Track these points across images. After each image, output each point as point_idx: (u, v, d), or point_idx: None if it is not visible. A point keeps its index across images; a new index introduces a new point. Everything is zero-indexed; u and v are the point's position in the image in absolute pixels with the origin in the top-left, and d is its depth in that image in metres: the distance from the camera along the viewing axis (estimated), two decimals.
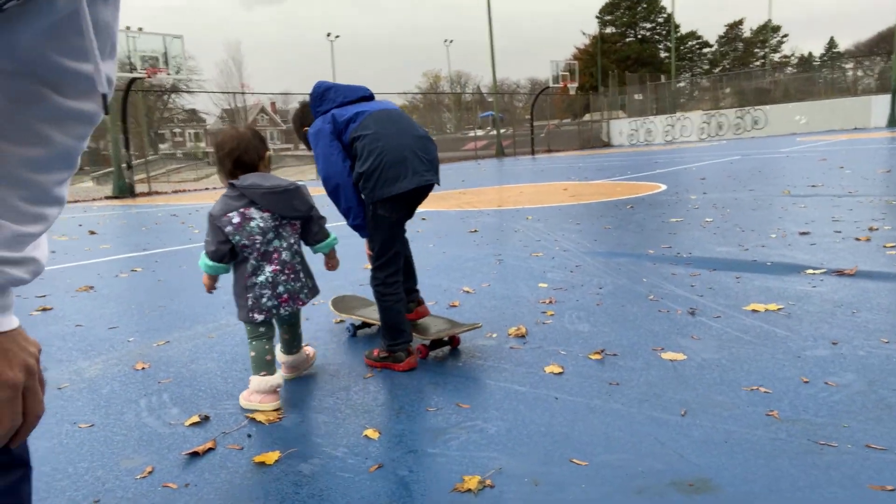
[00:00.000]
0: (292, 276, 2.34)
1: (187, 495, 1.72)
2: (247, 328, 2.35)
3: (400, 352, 2.55)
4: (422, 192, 2.59)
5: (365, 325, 3.13)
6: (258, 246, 2.27)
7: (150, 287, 4.53)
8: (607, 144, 35.79)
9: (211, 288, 2.39)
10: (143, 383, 2.59)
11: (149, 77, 18.13)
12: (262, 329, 2.33)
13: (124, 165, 18.55)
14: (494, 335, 2.93)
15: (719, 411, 2.00)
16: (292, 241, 2.36)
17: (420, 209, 8.92)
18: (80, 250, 6.77)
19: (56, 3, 0.65)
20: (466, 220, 7.29)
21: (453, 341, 2.81)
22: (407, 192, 2.47)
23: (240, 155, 2.30)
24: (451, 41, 59.42)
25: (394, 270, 2.65)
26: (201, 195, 17.25)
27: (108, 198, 18.49)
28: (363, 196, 2.55)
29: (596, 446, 1.83)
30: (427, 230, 6.61)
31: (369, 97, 2.69)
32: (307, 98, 2.70)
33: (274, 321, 2.40)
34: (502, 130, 33.59)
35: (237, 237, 2.25)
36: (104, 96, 0.69)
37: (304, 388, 2.45)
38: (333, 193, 2.59)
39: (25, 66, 0.66)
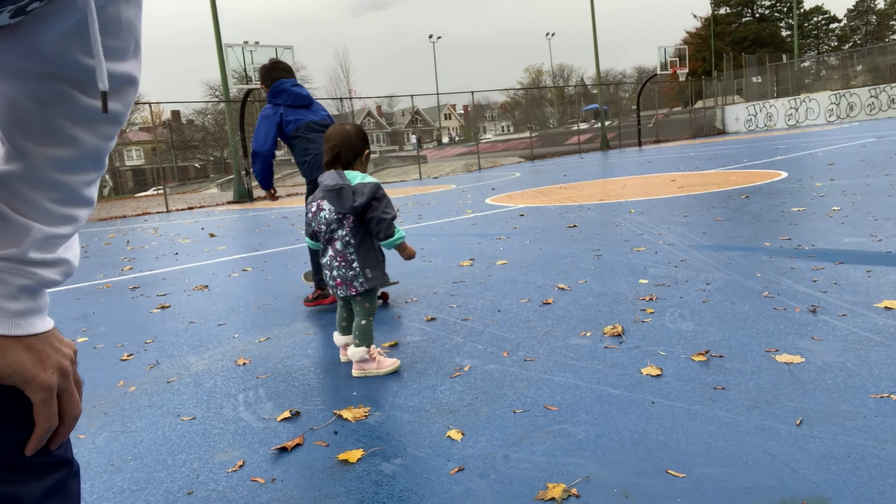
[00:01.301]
0: (344, 264, 2.61)
1: (272, 490, 1.74)
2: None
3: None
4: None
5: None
6: (325, 233, 2.64)
7: (258, 285, 4.75)
8: (722, 132, 33.76)
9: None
10: (243, 378, 2.69)
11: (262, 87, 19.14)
12: (341, 300, 2.75)
13: (243, 172, 19.73)
14: (588, 334, 2.79)
15: (841, 421, 1.77)
16: (345, 233, 2.61)
17: (517, 205, 8.78)
18: (200, 252, 7.25)
19: (77, 2, 0.64)
20: (566, 214, 7.09)
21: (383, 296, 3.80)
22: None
23: (338, 151, 2.68)
24: (553, 34, 58.43)
25: None
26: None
27: (228, 203, 19.75)
28: (302, 174, 3.87)
29: (696, 457, 1.67)
30: (524, 226, 6.49)
31: (308, 105, 3.85)
32: (279, 64, 4.08)
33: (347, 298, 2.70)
34: (607, 122, 32.59)
35: (312, 224, 2.69)
36: (104, 94, 0.66)
37: (391, 385, 2.45)
38: (254, 155, 3.80)
39: (51, 66, 0.66)
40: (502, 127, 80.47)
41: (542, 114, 65.64)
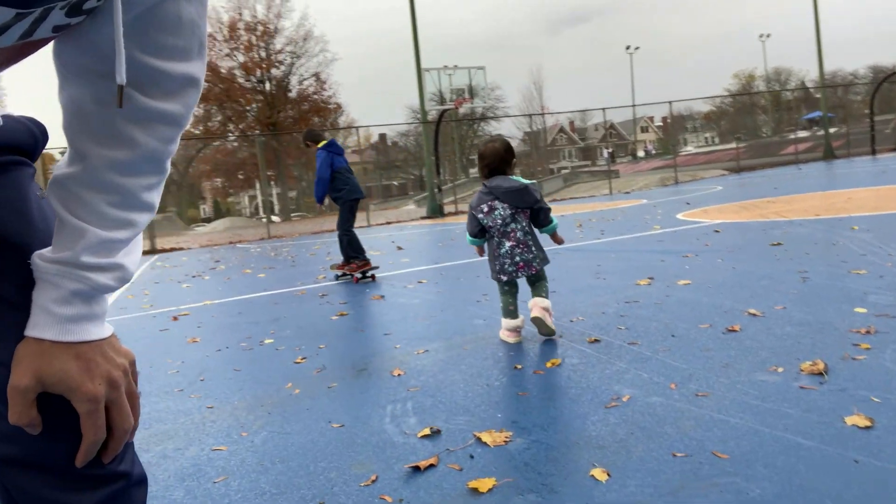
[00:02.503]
0: (525, 249, 3.16)
1: None
2: (498, 285, 3.30)
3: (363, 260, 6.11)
4: (358, 200, 6.48)
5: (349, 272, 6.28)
6: (499, 227, 3.16)
7: (428, 298, 4.82)
8: None
9: (480, 253, 3.46)
10: (395, 389, 2.69)
11: (456, 107, 19.92)
12: (506, 287, 3.25)
13: (436, 189, 20.64)
14: (780, 369, 2.36)
15: None
16: (524, 223, 3.19)
17: (713, 220, 8.01)
18: (386, 263, 7.62)
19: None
20: (769, 231, 6.28)
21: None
22: (354, 199, 6.39)
23: (493, 165, 3.25)
24: (768, 35, 53.29)
25: (350, 227, 6.42)
26: None
27: (422, 218, 20.76)
28: (340, 197, 6.38)
29: None
30: (717, 243, 5.86)
31: (341, 152, 6.47)
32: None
33: (517, 281, 3.24)
34: (832, 129, 28.83)
35: (486, 221, 3.19)
36: (120, 88, 0.62)
37: (538, 409, 2.27)
38: (317, 183, 6.38)
39: (111, 64, 0.63)
40: (705, 138, 75.21)
41: (753, 122, 60.18)
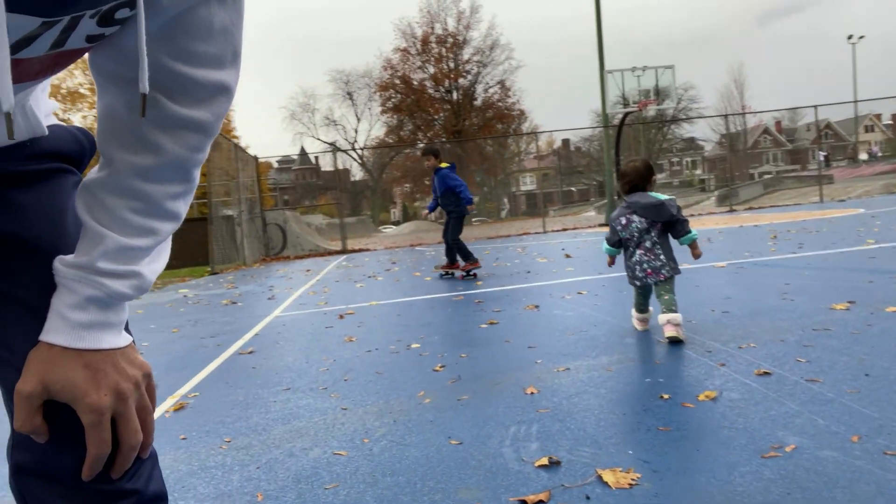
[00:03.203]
0: (653, 257, 3.46)
1: None
2: (635, 290, 3.65)
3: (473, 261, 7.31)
4: (465, 215, 7.63)
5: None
6: (634, 239, 3.51)
7: (584, 311, 4.55)
8: None
9: (610, 263, 3.75)
10: (524, 409, 2.52)
11: (640, 109, 18.97)
12: (640, 290, 3.63)
13: (615, 195, 19.82)
14: None
15: None
16: (652, 236, 3.48)
17: None
18: (549, 272, 7.40)
19: (160, 4, 0.61)
20: None
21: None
22: (464, 214, 7.60)
23: (633, 182, 3.57)
24: None
25: (458, 236, 7.54)
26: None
27: (600, 225, 20.06)
28: (455, 209, 7.49)
29: None
30: None
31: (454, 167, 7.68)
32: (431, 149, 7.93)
33: (648, 287, 3.57)
34: None
35: (623, 234, 3.56)
36: (143, 97, 0.62)
37: (679, 449, 1.96)
38: (464, 188, 7.40)
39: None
40: None
41: None
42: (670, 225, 3.46)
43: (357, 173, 63.96)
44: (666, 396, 2.49)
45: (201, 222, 18.33)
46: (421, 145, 46.10)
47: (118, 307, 0.70)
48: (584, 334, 3.76)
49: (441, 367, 3.33)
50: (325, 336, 4.61)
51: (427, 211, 7.97)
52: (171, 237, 0.76)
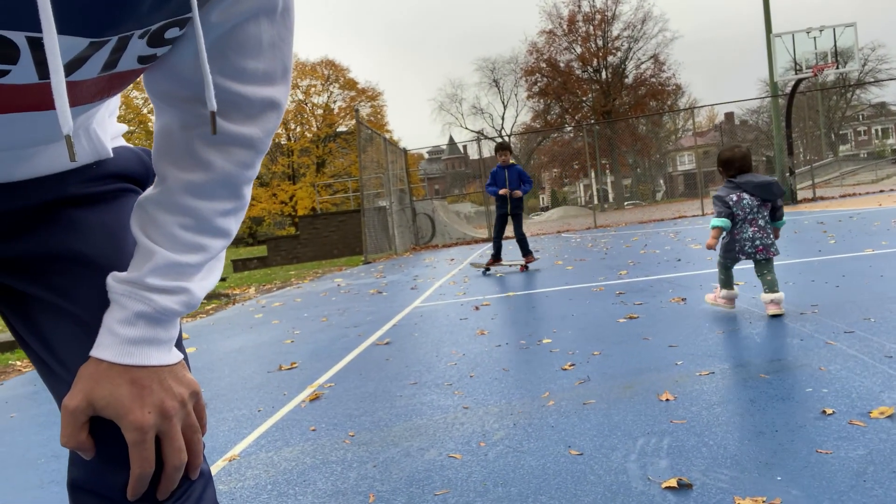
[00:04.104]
0: (765, 235, 3.68)
1: None
2: (721, 263, 3.89)
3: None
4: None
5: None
6: (746, 215, 3.70)
7: (739, 304, 4.09)
8: None
9: (711, 246, 3.71)
10: (656, 418, 2.28)
11: (815, 75, 16.96)
12: (728, 266, 3.87)
13: (786, 172, 17.95)
14: None
15: None
16: (766, 213, 3.71)
17: None
18: (702, 260, 6.82)
19: (209, 22, 0.61)
20: None
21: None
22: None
23: (742, 167, 3.77)
24: None
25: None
26: (870, 199, 15.02)
27: None
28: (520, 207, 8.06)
29: None
30: None
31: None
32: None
33: (755, 265, 3.75)
34: None
35: (735, 209, 3.71)
36: (213, 114, 0.63)
37: (840, 480, 1.64)
38: (530, 184, 8.07)
39: (191, 88, 0.65)
40: None
41: None
42: (775, 207, 3.73)
43: None
44: (830, 411, 2.13)
45: (356, 214, 19.35)
46: (568, 128, 45.08)
47: (168, 323, 0.69)
48: (736, 332, 3.37)
49: (570, 365, 3.15)
50: (459, 328, 4.58)
51: (507, 189, 7.92)
52: (223, 254, 0.76)
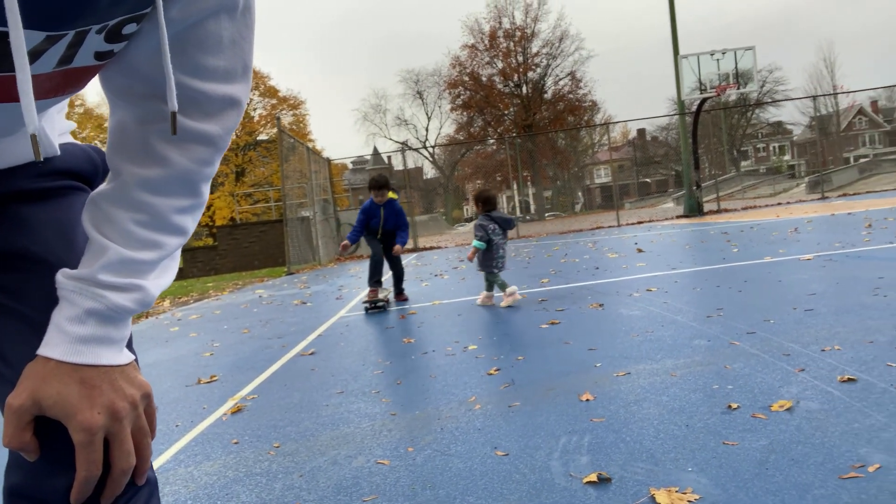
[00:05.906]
0: (505, 254, 5.38)
1: None
2: (487, 276, 5.48)
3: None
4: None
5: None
6: (497, 240, 5.32)
7: (652, 309, 4.31)
8: None
9: (471, 259, 5.41)
10: (577, 418, 2.37)
11: (718, 94, 18.08)
12: (494, 274, 5.39)
13: (693, 185, 19.00)
14: None
15: None
16: (506, 239, 5.40)
17: None
18: (618, 268, 7.12)
19: (170, 18, 0.61)
20: None
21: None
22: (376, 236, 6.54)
23: (494, 204, 5.52)
24: None
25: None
26: (769, 211, 16.12)
27: (678, 217, 19.30)
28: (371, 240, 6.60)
29: None
30: None
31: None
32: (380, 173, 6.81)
33: (497, 273, 5.41)
34: None
35: (492, 236, 5.30)
36: (173, 115, 0.63)
37: (746, 468, 1.76)
38: (407, 229, 6.70)
39: (150, 85, 0.65)
40: None
41: None
42: (506, 235, 5.48)
43: (429, 171, 64.50)
44: (735, 406, 2.28)
45: (278, 224, 18.93)
46: (491, 141, 45.90)
47: (120, 322, 0.67)
48: (650, 335, 3.55)
49: (496, 370, 3.22)
50: (385, 337, 4.58)
51: (348, 242, 6.28)
52: (179, 252, 0.75)
